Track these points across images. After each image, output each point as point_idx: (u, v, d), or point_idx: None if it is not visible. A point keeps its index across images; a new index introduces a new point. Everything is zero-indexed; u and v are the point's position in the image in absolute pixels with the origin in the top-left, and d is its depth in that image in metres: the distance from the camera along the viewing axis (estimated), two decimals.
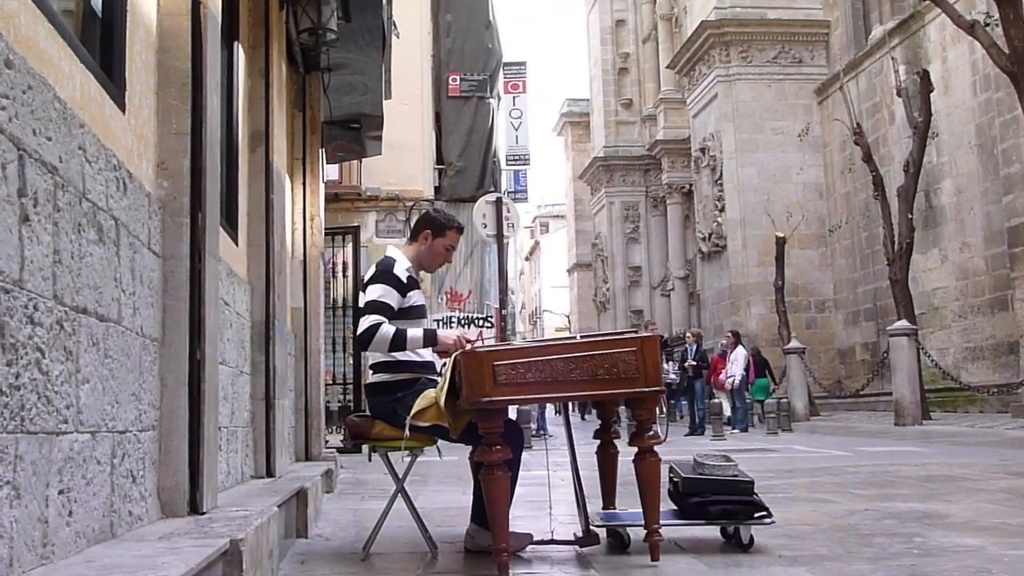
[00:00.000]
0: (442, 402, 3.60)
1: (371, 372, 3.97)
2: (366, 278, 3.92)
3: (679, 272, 32.71)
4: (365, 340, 3.74)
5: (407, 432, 3.71)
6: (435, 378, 3.89)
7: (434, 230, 4.02)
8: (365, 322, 3.75)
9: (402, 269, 3.90)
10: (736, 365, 16.38)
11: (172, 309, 3.03)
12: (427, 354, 3.91)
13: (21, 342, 1.92)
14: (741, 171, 23.52)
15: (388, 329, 3.72)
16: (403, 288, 3.85)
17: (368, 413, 3.99)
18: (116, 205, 2.58)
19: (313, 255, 7.56)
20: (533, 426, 11.39)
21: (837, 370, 22.16)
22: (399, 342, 3.73)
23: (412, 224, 4.19)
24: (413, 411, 3.70)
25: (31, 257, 1.98)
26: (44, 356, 2.05)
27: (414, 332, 3.78)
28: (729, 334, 17.60)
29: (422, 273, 4.15)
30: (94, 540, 2.34)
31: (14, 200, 1.91)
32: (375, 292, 3.81)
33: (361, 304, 3.86)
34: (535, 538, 3.80)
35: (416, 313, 3.90)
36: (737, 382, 16.29)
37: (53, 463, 2.09)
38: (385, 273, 3.85)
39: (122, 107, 2.75)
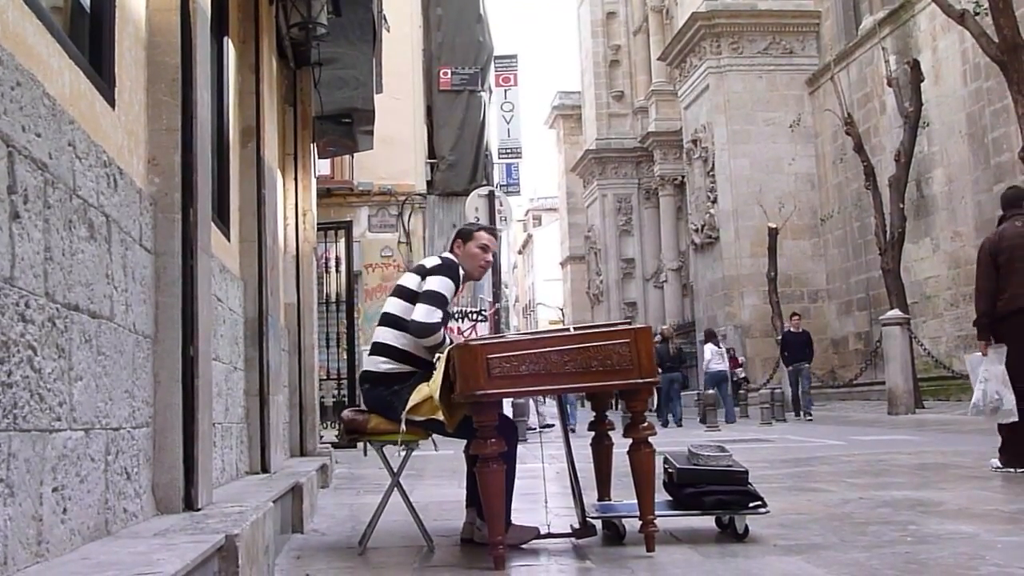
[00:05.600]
0: (437, 396, 3.60)
1: (371, 353, 3.93)
2: (427, 264, 3.92)
3: (672, 264, 32.76)
4: (427, 331, 3.73)
5: (403, 427, 3.71)
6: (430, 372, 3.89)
7: (463, 237, 4.07)
8: (433, 314, 3.74)
9: (462, 272, 3.94)
10: (712, 362, 16.81)
11: (165, 305, 3.02)
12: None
13: (13, 340, 1.92)
14: (733, 162, 23.56)
15: (441, 334, 3.78)
16: (457, 289, 3.90)
17: (362, 407, 3.99)
18: (107, 201, 2.57)
19: (306, 250, 7.55)
20: (530, 419, 11.39)
21: (830, 360, 22.22)
22: (441, 347, 3.77)
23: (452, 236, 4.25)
24: (408, 406, 3.70)
25: (22, 254, 1.98)
26: (36, 353, 2.04)
27: (447, 340, 3.84)
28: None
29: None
30: (89, 537, 2.34)
31: (4, 197, 1.90)
32: (445, 286, 3.82)
33: (423, 287, 3.81)
34: (539, 532, 3.81)
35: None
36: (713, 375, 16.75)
37: (47, 461, 2.08)
38: (454, 269, 3.88)
39: (112, 103, 2.74)
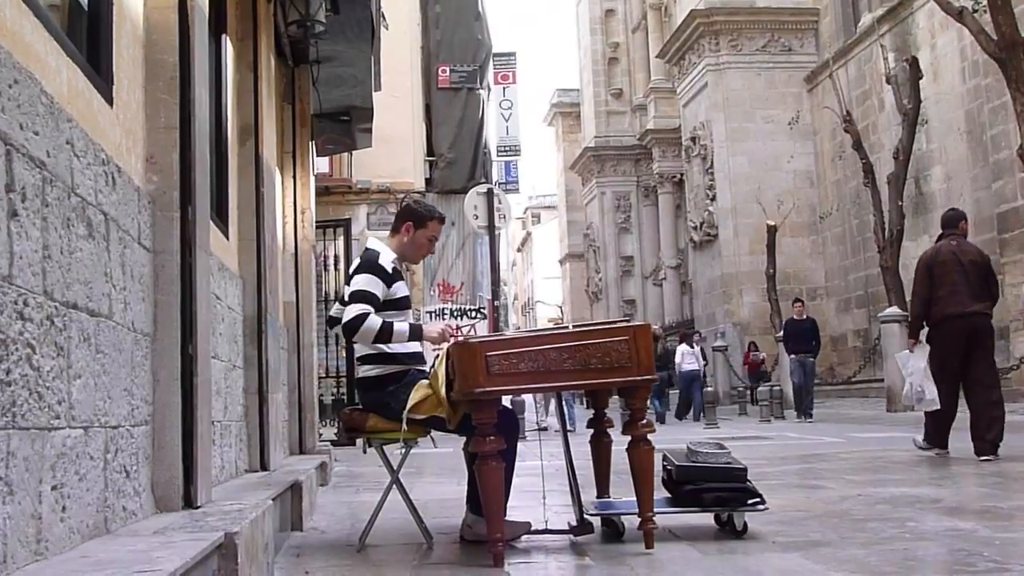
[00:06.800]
0: (443, 392, 3.59)
1: (359, 364, 3.95)
2: (351, 270, 3.90)
3: (671, 261, 32.75)
4: (352, 329, 3.69)
5: (404, 426, 3.71)
6: (424, 368, 3.89)
7: (415, 222, 3.99)
8: (352, 311, 3.71)
9: (387, 260, 3.88)
10: (685, 362, 17.12)
11: (163, 304, 3.02)
12: (415, 345, 3.90)
13: (11, 338, 1.92)
14: (732, 160, 23.55)
15: (375, 320, 3.69)
16: (388, 279, 3.83)
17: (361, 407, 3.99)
18: (105, 200, 2.57)
19: (304, 248, 7.55)
20: (530, 417, 11.40)
21: (829, 357, 22.20)
22: (384, 335, 3.71)
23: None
24: (409, 404, 3.69)
25: (20, 252, 1.98)
26: (35, 352, 2.04)
27: (400, 326, 3.76)
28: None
29: (409, 265, 4.15)
30: (88, 535, 2.34)
31: (2, 195, 1.90)
32: (361, 282, 3.77)
33: (346, 295, 3.83)
34: (531, 527, 3.81)
35: (401, 304, 3.88)
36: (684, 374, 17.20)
37: (46, 459, 2.08)
38: (370, 264, 3.83)
39: (110, 101, 2.73)
